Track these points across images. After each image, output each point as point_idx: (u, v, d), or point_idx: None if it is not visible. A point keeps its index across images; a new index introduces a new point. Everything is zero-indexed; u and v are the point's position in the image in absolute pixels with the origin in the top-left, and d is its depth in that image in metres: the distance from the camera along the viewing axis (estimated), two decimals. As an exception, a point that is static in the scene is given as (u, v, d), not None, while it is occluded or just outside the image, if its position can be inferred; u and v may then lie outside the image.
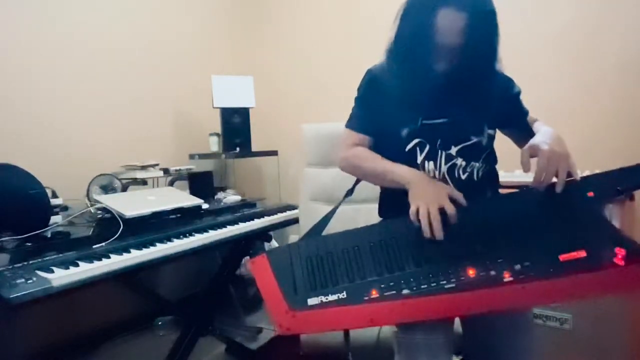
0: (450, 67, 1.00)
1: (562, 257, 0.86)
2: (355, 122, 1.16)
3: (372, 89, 1.13)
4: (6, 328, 1.07)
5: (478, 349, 1.09)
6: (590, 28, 1.95)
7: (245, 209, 1.93)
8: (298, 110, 2.83)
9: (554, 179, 0.90)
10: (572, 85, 1.99)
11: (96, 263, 1.17)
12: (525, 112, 1.16)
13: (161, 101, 2.46)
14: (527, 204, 0.96)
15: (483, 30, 0.96)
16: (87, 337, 1.98)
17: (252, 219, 1.77)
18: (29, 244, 1.23)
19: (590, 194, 0.91)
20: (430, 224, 0.91)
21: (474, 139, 1.07)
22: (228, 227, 1.62)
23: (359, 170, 1.15)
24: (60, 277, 1.06)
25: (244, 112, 2.50)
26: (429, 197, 0.93)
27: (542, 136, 0.94)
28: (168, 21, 2.51)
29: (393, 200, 1.10)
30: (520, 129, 1.13)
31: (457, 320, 1.13)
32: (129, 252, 1.27)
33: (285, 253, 0.97)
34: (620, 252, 0.84)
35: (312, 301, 0.90)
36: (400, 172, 1.03)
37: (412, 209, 0.93)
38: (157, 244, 1.35)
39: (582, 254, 0.85)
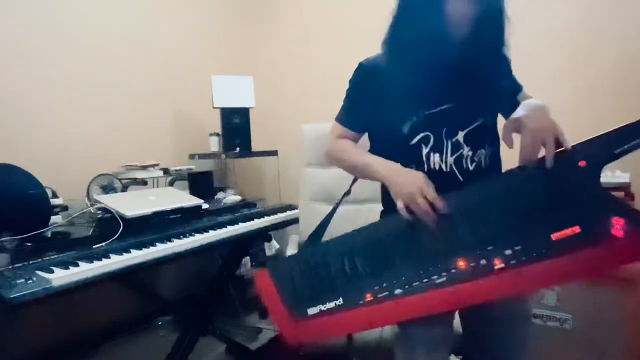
0: (456, 53, 0.95)
1: (555, 235, 0.81)
2: (342, 116, 1.15)
3: (363, 82, 1.10)
4: (6, 328, 1.07)
5: (477, 342, 1.09)
6: (590, 28, 1.95)
7: (245, 209, 1.92)
8: (298, 110, 2.83)
9: (542, 153, 0.84)
10: (572, 86, 1.99)
11: (96, 263, 1.17)
12: (519, 88, 1.14)
13: (161, 101, 2.46)
14: (515, 185, 0.89)
15: (490, 14, 0.93)
16: (87, 337, 1.98)
17: (252, 219, 1.76)
18: (29, 244, 1.23)
19: (582, 163, 0.84)
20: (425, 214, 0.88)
21: (481, 120, 1.03)
22: (228, 227, 1.62)
23: (343, 163, 1.13)
24: (60, 277, 1.06)
25: (244, 112, 2.50)
26: (410, 189, 0.90)
27: (524, 108, 0.89)
28: (168, 21, 2.51)
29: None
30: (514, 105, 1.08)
31: (457, 321, 1.13)
32: (129, 252, 1.26)
33: (285, 265, 0.99)
34: (619, 222, 0.78)
35: (311, 310, 0.92)
36: (376, 166, 1.01)
37: (400, 206, 0.90)
38: (157, 244, 1.35)
39: (576, 229, 0.80)
